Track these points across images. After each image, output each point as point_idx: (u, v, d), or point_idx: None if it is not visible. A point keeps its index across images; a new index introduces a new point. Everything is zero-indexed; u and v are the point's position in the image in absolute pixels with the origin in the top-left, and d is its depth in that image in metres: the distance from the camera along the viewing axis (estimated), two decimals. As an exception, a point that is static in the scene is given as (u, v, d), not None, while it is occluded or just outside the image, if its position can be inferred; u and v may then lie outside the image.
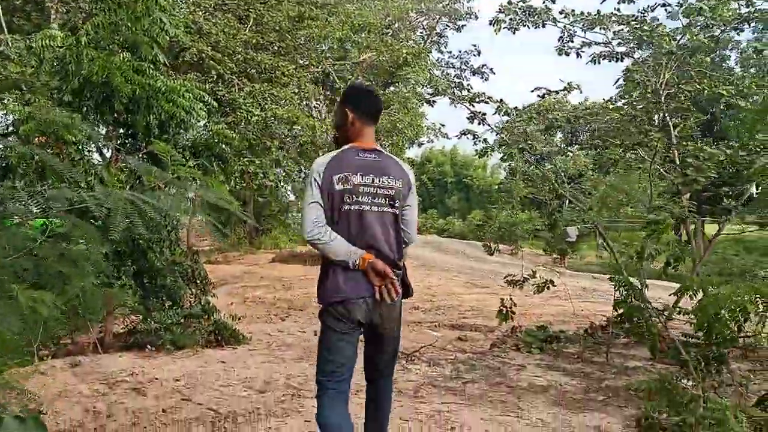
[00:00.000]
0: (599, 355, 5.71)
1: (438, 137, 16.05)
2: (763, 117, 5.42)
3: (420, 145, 32.81)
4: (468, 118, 7.58)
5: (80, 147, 5.40)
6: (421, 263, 15.97)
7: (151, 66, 5.95)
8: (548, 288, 6.48)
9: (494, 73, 23.25)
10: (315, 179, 2.64)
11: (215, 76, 11.86)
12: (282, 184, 18.92)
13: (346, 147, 2.71)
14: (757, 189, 5.50)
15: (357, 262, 2.57)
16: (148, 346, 5.54)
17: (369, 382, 2.88)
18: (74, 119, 5.34)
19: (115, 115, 5.99)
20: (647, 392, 3.72)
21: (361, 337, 2.71)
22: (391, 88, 17.53)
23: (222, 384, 4.49)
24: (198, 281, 7.05)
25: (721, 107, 7.71)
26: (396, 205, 2.69)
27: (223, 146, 6.40)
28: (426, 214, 47.80)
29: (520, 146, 7.15)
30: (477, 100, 7.41)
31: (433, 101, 18.97)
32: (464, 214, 59.26)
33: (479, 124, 7.66)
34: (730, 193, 5.81)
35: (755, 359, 5.16)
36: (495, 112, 7.30)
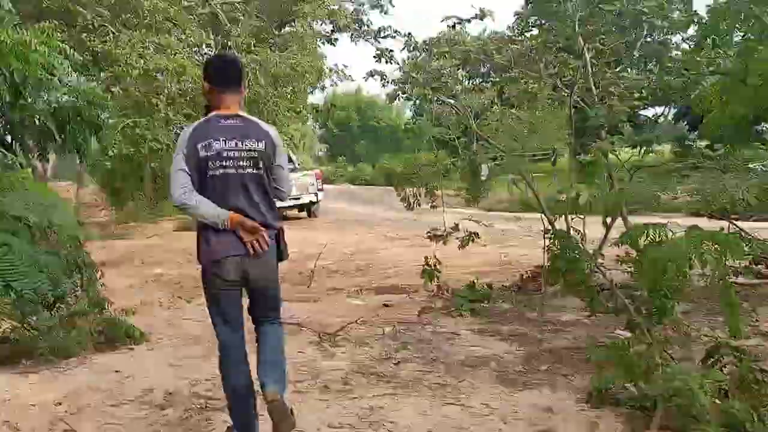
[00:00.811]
0: (532, 309, 5.42)
1: (342, 80, 15.21)
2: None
3: (323, 89, 31.76)
4: (375, 57, 6.91)
5: None
6: (335, 218, 15.40)
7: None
8: (473, 241, 6.10)
9: (393, 5, 22.41)
10: (181, 148, 2.80)
11: (84, 25, 10.36)
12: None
13: (210, 115, 2.87)
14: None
15: (225, 223, 2.76)
16: (23, 361, 4.67)
17: (255, 328, 3.07)
18: None
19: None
20: (599, 363, 3.39)
21: None
22: (287, 29, 16.35)
23: (114, 403, 3.77)
24: (82, 270, 6.14)
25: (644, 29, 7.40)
26: (261, 165, 2.86)
27: (95, 109, 5.41)
28: (336, 163, 47.00)
29: (433, 86, 6.57)
30: (382, 35, 6.74)
31: (335, 39, 18.02)
32: (373, 158, 58.93)
33: (387, 62, 7.01)
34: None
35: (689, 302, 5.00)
36: (403, 48, 6.67)
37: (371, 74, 7.09)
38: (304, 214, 16.02)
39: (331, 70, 14.83)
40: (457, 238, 6.21)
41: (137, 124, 10.52)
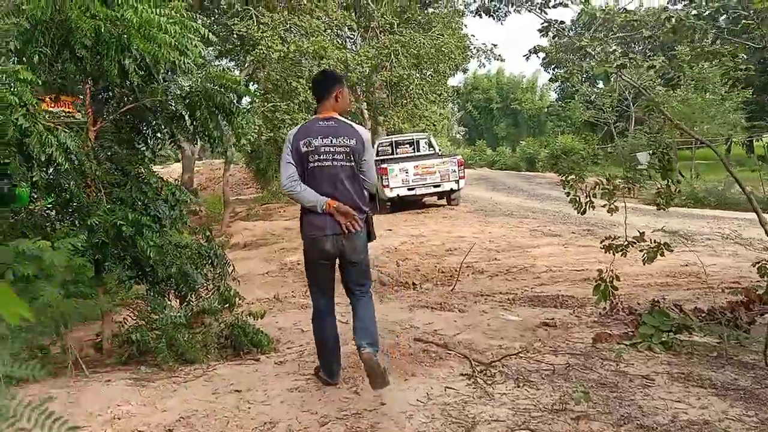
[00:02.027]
0: (746, 349, 4.17)
1: (489, 60, 13.98)
2: None
3: (465, 71, 30.65)
4: (540, 30, 5.82)
5: (27, 109, 3.98)
6: (477, 208, 14.39)
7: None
8: (662, 255, 4.87)
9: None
10: (288, 145, 3.55)
11: (226, 7, 10.18)
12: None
13: (311, 118, 3.64)
14: None
15: (323, 207, 3.41)
16: (141, 367, 4.28)
17: (349, 298, 3.75)
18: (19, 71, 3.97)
19: (80, 63, 4.56)
20: None
21: None
22: (430, 10, 15.43)
23: (229, 437, 3.18)
24: (214, 263, 5.75)
25: None
26: (352, 159, 3.48)
27: (228, 93, 4.90)
28: (474, 147, 45.60)
29: (618, 63, 5.37)
30: (551, 4, 5.64)
31: (484, 11, 16.72)
32: (513, 141, 56.75)
33: (554, 37, 5.90)
34: None
35: None
36: (577, 18, 5.54)
37: (534, 51, 6.01)
38: (442, 201, 15.20)
39: (478, 50, 13.72)
40: (634, 245, 5.00)
41: (277, 108, 10.23)
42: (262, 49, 9.79)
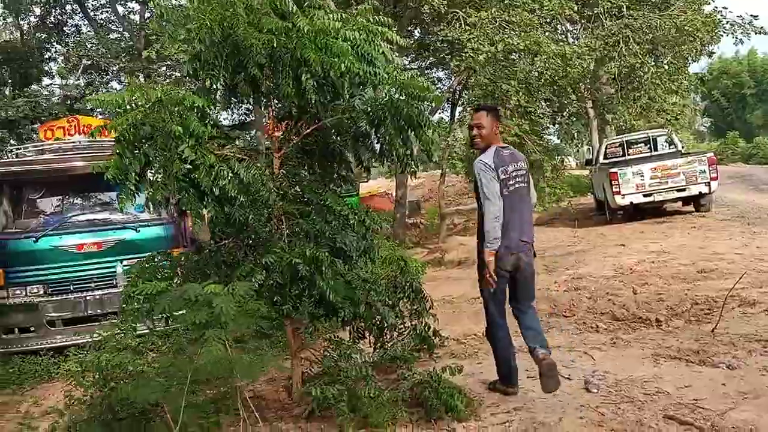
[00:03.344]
0: None
1: (748, 35, 11.28)
2: None
3: (710, 54, 26.56)
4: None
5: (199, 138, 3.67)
6: (735, 214, 11.87)
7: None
8: None
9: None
10: (490, 172, 3.92)
11: (432, 11, 9.49)
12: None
13: (494, 147, 4.05)
14: None
15: (489, 249, 3.88)
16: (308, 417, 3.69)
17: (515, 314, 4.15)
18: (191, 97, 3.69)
19: (255, 85, 4.20)
20: None
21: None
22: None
23: None
24: (410, 296, 5.07)
25: None
26: (527, 179, 4.12)
27: (415, 104, 4.18)
28: (724, 139, 39.54)
29: None
30: None
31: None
32: (773, 131, 48.41)
33: None
34: None
35: None
36: None
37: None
38: (689, 207, 12.90)
39: (732, 24, 11.20)
40: None
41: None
42: (468, 52, 8.99)
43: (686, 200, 12.58)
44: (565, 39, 13.53)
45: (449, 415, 3.64)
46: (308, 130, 4.43)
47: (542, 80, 9.48)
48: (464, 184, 32.92)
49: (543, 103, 9.57)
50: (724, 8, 11.76)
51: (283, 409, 4.27)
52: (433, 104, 4.59)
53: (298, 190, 4.43)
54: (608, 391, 3.93)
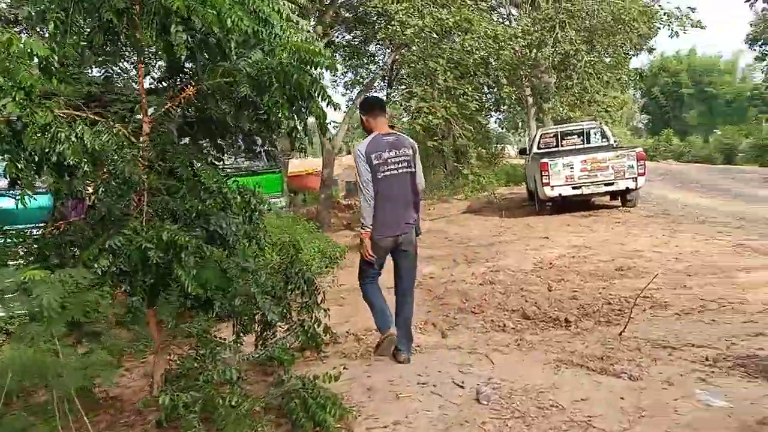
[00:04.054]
0: None
1: (685, 28, 11.15)
2: None
3: (651, 51, 26.98)
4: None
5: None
6: (660, 211, 11.90)
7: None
8: None
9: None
10: (362, 158, 4.19)
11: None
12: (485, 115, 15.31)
13: (374, 134, 4.31)
14: None
15: (363, 230, 4.26)
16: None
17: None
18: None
19: (111, 33, 3.58)
20: None
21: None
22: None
23: None
24: (301, 287, 4.57)
25: None
26: (411, 164, 4.29)
27: (307, 69, 3.65)
28: (658, 136, 40.63)
29: None
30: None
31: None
32: (706, 130, 50.18)
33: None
34: None
35: None
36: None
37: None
38: (616, 202, 12.89)
39: (669, 16, 11.06)
40: None
41: (413, 94, 8.88)
42: (395, 25, 8.46)
43: (614, 194, 12.55)
44: (508, 22, 13.21)
45: (317, 430, 3.18)
46: (184, 94, 3.85)
47: (472, 60, 9.05)
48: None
49: (470, 88, 9.14)
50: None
51: (138, 413, 3.73)
52: (329, 71, 4.06)
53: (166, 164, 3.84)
54: (500, 403, 3.57)
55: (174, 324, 3.94)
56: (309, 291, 4.54)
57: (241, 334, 4.24)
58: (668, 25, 11.09)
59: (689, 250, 8.02)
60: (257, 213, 4.31)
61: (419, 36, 8.66)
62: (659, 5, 11.30)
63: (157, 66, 4.39)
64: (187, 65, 4.11)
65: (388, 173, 4.18)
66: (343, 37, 18.40)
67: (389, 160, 4.17)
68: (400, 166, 4.21)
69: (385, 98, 15.40)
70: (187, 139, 4.26)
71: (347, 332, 5.41)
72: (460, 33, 8.89)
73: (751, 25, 39.51)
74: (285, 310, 4.37)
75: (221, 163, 4.36)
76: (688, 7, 11.25)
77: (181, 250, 3.39)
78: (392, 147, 4.21)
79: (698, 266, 7.09)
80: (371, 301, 4.42)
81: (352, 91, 17.74)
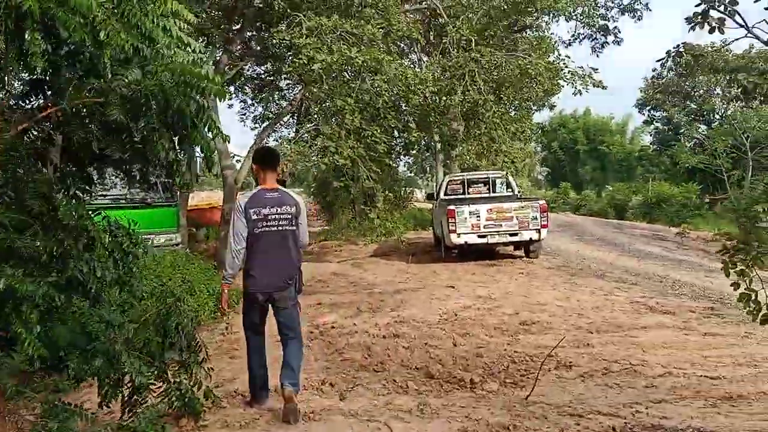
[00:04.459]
0: None
1: (587, 86, 11.63)
2: None
3: (552, 107, 28.35)
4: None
5: None
6: (560, 263, 12.11)
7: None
8: None
9: (650, 10, 18.41)
10: (240, 211, 4.20)
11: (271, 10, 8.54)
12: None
13: (257, 188, 4.36)
14: None
15: (228, 280, 4.40)
16: None
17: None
18: None
19: None
20: None
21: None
22: (522, 34, 13.43)
23: None
24: (181, 343, 3.98)
25: None
26: (293, 222, 4.29)
27: (191, 94, 3.17)
28: (558, 189, 42.63)
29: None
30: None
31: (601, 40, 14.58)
32: (599, 185, 53.30)
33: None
34: None
35: None
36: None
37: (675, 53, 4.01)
38: (519, 252, 13.02)
39: (573, 74, 11.52)
40: None
41: (319, 132, 8.54)
42: (302, 59, 8.14)
43: (517, 245, 12.67)
44: (418, 69, 13.23)
45: None
46: (44, 113, 3.26)
47: (380, 102, 8.87)
48: (314, 205, 32.15)
49: (378, 130, 8.92)
50: (567, 57, 12.15)
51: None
52: (218, 99, 3.62)
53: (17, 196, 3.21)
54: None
55: (14, 389, 3.23)
56: (189, 347, 3.96)
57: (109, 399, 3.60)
58: (572, 82, 11.54)
59: (590, 305, 8.05)
60: (130, 256, 3.73)
61: (327, 73, 8.36)
62: (564, 63, 11.75)
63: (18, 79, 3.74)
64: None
65: (266, 229, 4.19)
66: (254, 69, 17.89)
67: (269, 217, 4.20)
68: (280, 223, 4.22)
69: (294, 134, 15.03)
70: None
71: (234, 392, 4.81)
72: (369, 73, 8.69)
73: (641, 90, 42.81)
74: (159, 371, 3.77)
75: (95, 194, 3.76)
76: (591, 67, 11.80)
77: (22, 301, 2.77)
78: (274, 204, 4.23)
79: (599, 323, 7.08)
80: (249, 365, 4.44)
81: (261, 126, 17.22)
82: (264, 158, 4.47)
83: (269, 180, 4.33)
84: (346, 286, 10.32)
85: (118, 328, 3.42)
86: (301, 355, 4.49)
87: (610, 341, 6.34)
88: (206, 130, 3.35)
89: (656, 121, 44.61)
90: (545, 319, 7.30)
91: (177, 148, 3.23)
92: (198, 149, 3.40)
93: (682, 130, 45.35)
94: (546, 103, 24.18)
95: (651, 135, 45.13)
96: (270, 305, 4.31)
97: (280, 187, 4.39)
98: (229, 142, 3.55)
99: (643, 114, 44.74)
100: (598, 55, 19.43)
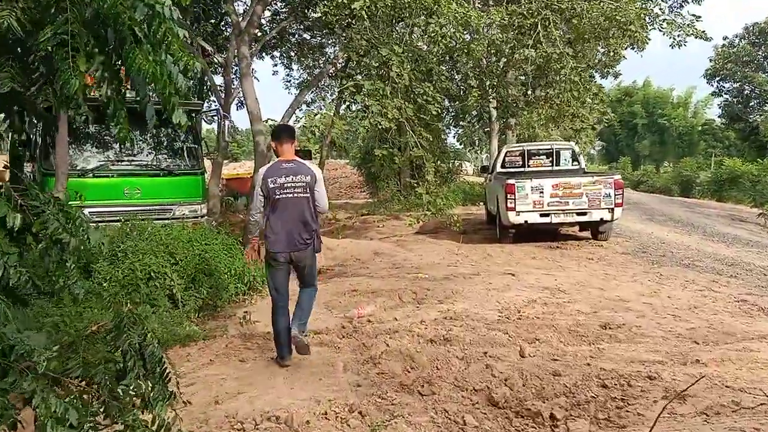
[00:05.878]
0: None
1: (684, 39, 9.67)
2: None
3: (617, 76, 26.22)
4: None
5: None
6: (636, 247, 10.52)
7: None
8: None
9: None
10: (260, 180, 4.80)
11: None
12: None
13: (276, 160, 4.94)
14: None
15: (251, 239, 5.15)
16: None
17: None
18: None
19: None
20: None
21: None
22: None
23: None
24: (145, 365, 2.78)
25: None
26: (307, 190, 4.78)
27: (151, 6, 1.90)
28: (617, 163, 40.13)
29: None
30: None
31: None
32: (656, 160, 50.39)
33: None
34: None
35: None
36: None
37: None
38: (585, 233, 11.49)
39: (670, 23, 9.62)
40: None
41: (358, 88, 7.16)
42: (339, -4, 6.73)
43: (584, 225, 11.14)
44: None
45: None
46: None
47: (436, 50, 7.37)
48: (358, 177, 30.95)
49: (430, 88, 7.44)
50: (663, 1, 10.21)
51: None
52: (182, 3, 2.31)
53: None
54: None
55: None
56: (154, 376, 2.75)
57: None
58: (669, 32, 9.71)
59: (685, 304, 6.56)
60: (72, 250, 2.54)
61: (370, 12, 6.85)
62: (660, 9, 9.93)
63: None
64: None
65: (282, 196, 4.74)
66: (299, 35, 16.85)
67: (285, 185, 4.73)
68: (295, 190, 4.76)
69: (335, 94, 13.76)
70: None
71: (233, 417, 3.64)
72: (422, 15, 7.20)
73: (710, 60, 39.89)
74: (110, 410, 2.58)
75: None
76: (692, 15, 9.93)
77: None
78: (290, 173, 4.76)
79: (704, 330, 5.61)
80: (273, 323, 4.91)
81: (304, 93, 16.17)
82: (279, 134, 5.00)
83: (286, 152, 4.87)
84: (388, 269, 9.06)
85: (27, 355, 2.23)
86: (313, 299, 5.05)
87: (726, 357, 4.88)
88: (162, 50, 2.07)
89: (725, 93, 41.68)
90: (632, 321, 5.88)
91: (106, 75, 1.98)
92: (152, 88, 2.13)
93: (752, 103, 42.20)
94: (611, 70, 22.18)
95: (720, 107, 42.00)
96: (291, 265, 4.85)
97: (296, 158, 4.92)
98: (197, 74, 2.25)
99: (711, 85, 41.77)
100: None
